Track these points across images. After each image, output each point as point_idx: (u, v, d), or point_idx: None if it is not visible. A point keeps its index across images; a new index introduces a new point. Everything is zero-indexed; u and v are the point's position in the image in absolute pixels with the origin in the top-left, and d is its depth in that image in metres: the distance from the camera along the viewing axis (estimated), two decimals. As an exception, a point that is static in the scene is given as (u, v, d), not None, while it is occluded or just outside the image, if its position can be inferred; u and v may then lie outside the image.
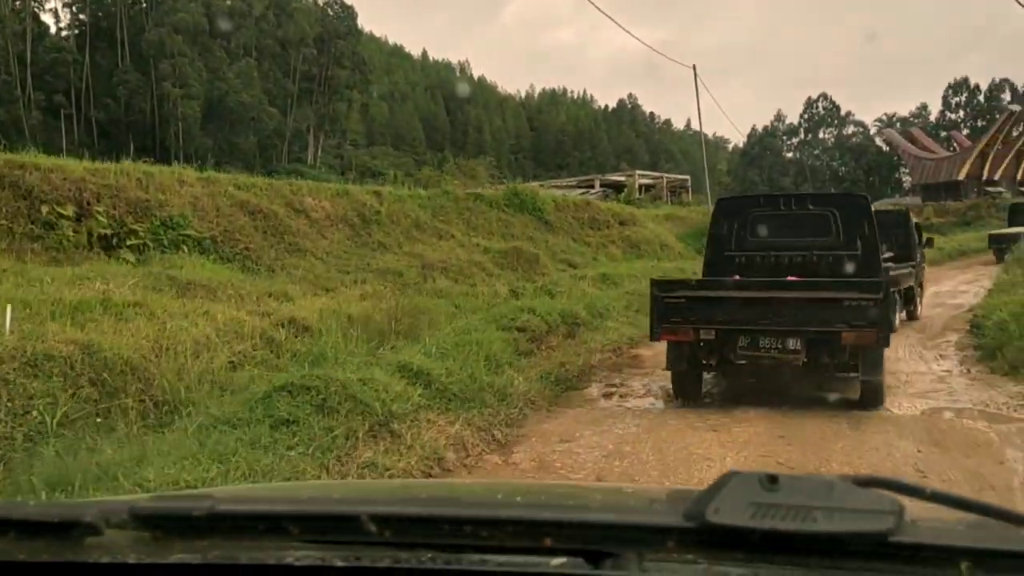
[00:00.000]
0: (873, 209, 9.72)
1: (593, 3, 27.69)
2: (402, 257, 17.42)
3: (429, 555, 1.05)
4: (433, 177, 32.46)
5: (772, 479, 1.04)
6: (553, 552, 1.04)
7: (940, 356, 11.98)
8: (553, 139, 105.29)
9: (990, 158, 61.27)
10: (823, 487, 1.05)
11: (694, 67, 33.25)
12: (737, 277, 8.92)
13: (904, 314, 14.81)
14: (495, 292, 16.23)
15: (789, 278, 8.53)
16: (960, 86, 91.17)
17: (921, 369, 11.03)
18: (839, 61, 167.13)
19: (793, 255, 9.37)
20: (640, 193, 43.32)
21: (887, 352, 8.02)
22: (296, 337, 9.60)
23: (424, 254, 17.82)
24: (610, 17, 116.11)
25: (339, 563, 1.05)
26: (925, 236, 17.68)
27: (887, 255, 12.52)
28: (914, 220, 17.19)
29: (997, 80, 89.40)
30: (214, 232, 14.04)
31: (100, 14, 73.19)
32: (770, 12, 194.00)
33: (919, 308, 15.96)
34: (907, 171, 78.34)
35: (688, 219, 30.00)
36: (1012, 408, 8.01)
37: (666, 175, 51.04)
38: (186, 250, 13.26)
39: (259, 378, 7.47)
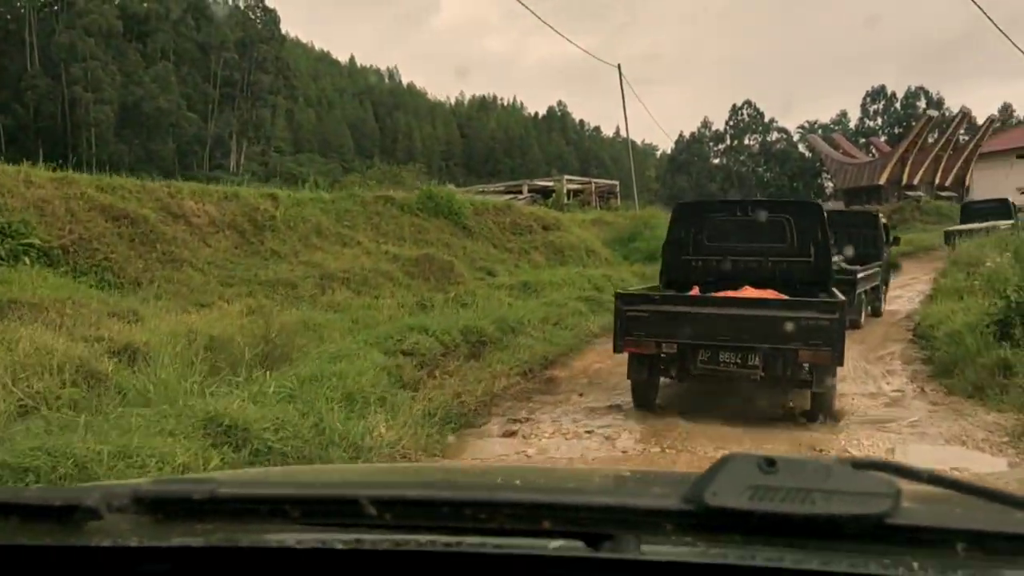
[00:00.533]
0: (826, 215, 9.71)
1: (527, 7, 26.21)
2: (298, 267, 15.51)
3: (429, 538, 1.05)
4: (358, 184, 30.49)
5: (770, 462, 1.03)
6: (552, 534, 1.04)
7: (888, 372, 10.62)
8: (484, 146, 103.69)
9: (909, 163, 61.66)
10: (821, 470, 1.04)
11: (619, 66, 32.08)
12: (695, 287, 9.14)
13: (869, 309, 15.39)
14: (401, 304, 14.46)
15: (745, 287, 8.75)
16: (878, 94, 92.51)
17: (870, 389, 9.63)
18: (763, 70, 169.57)
19: (749, 260, 9.39)
20: (569, 198, 41.99)
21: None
22: (130, 368, 7.69)
23: (324, 263, 15.94)
24: (544, 21, 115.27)
25: (340, 546, 1.04)
26: (892, 235, 18.77)
27: (850, 256, 14.01)
28: (882, 220, 17.68)
29: (912, 88, 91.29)
30: (65, 240, 11.95)
31: (8, 16, 69.12)
32: (695, 23, 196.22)
33: (883, 304, 16.45)
34: (829, 176, 78.85)
35: (615, 224, 28.59)
36: (998, 447, 6.52)
37: (595, 180, 49.80)
38: (28, 262, 11.17)
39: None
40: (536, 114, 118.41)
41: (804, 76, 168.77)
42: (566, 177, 49.07)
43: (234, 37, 77.04)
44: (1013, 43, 21.83)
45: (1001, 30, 21.10)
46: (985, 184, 63.45)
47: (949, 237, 26.62)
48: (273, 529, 1.08)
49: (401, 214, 19.98)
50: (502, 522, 1.05)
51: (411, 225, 19.77)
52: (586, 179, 49.56)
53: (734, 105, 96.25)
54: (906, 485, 1.05)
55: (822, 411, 7.89)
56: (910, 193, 59.15)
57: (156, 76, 70.46)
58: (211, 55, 76.03)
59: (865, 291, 14.56)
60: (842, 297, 8.23)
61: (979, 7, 18.93)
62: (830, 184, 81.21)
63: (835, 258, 11.50)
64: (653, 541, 1.01)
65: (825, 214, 9.56)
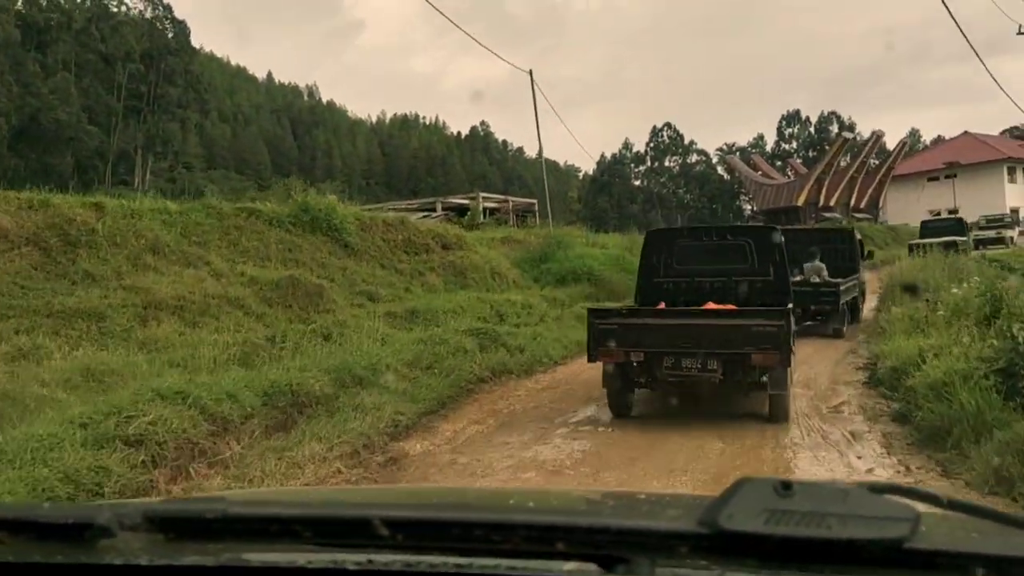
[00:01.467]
0: (805, 232, 13.66)
1: (451, 21, 23.37)
2: (116, 292, 12.10)
3: (441, 559, 1.03)
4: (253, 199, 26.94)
5: (786, 485, 1.01)
6: (565, 557, 1.02)
7: (851, 435, 7.87)
8: (405, 165, 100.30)
9: (825, 185, 60.88)
10: (838, 494, 1.02)
11: (530, 72, 29.34)
12: (663, 304, 9.65)
13: (849, 316, 15.86)
14: (245, 341, 11.25)
15: (708, 303, 9.28)
16: (793, 118, 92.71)
17: (834, 466, 6.84)
18: (683, 94, 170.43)
19: (714, 280, 10.03)
20: (485, 216, 39.11)
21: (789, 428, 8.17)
22: None
23: (153, 288, 12.55)
24: (468, 33, 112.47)
25: (351, 566, 1.03)
26: (866, 250, 19.34)
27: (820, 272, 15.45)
28: (858, 236, 18.31)
29: (825, 113, 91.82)
30: None
31: None
32: (618, 47, 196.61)
33: (861, 313, 17.11)
34: (748, 198, 77.97)
35: (527, 243, 25.68)
36: None
37: (512, 199, 47.05)
38: None
39: None
40: (459, 134, 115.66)
41: (723, 100, 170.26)
42: (482, 195, 46.24)
43: (140, 48, 72.34)
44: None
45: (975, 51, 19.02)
46: (897, 206, 63.24)
47: (912, 249, 27.86)
48: (284, 549, 1.06)
49: (268, 229, 16.64)
50: (515, 544, 1.02)
51: (279, 242, 16.45)
52: (503, 197, 46.78)
53: (655, 127, 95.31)
54: (925, 509, 1.03)
55: (780, 415, 8.36)
56: (827, 214, 58.23)
57: (55, 87, 65.50)
58: (115, 66, 71.20)
59: (847, 302, 15.37)
60: (788, 307, 8.68)
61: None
62: (748, 206, 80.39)
63: (822, 272, 15.25)
64: (668, 564, 1.00)
65: (782, 238, 9.92)
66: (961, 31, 19.82)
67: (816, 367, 11.97)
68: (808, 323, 14.53)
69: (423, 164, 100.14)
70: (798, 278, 14.11)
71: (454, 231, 22.38)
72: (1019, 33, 26.77)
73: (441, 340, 11.32)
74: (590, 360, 8.87)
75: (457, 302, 17.03)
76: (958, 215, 37.03)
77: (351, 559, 1.02)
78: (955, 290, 11.14)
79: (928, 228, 33.36)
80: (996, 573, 0.98)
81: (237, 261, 15.24)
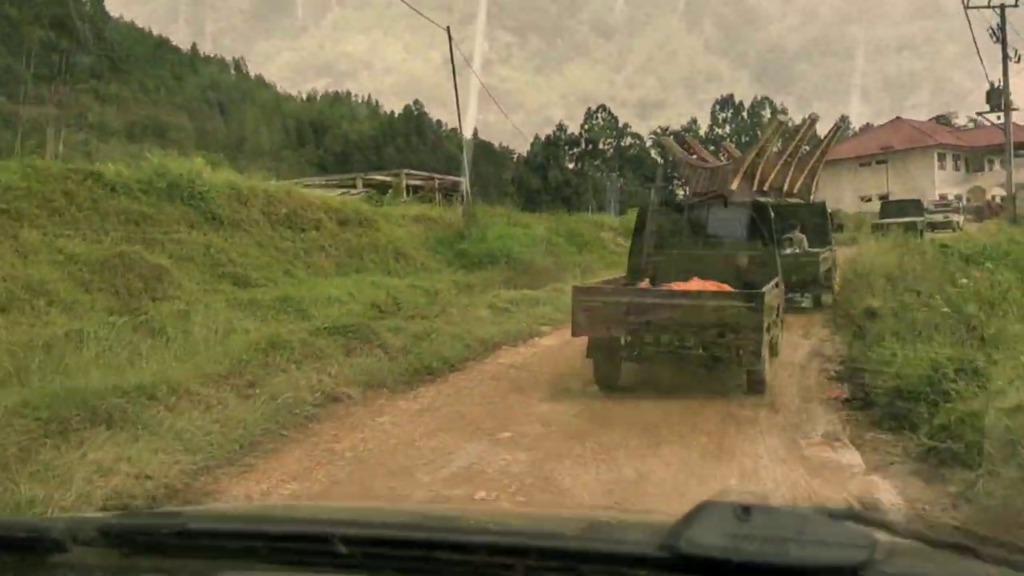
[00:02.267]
0: (782, 207, 14.11)
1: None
2: None
3: (415, 572, 1.01)
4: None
5: (746, 509, 1.01)
6: (530, 573, 1.01)
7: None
8: (338, 143, 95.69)
9: (759, 169, 59.03)
10: (797, 519, 1.03)
11: (448, 29, 26.06)
12: (647, 282, 9.78)
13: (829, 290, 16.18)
14: (27, 342, 8.00)
15: (692, 279, 9.24)
16: (726, 102, 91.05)
17: None
18: (618, 76, 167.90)
19: (704, 254, 10.07)
20: (408, 194, 35.85)
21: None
22: None
23: (-90, 269, 9.19)
24: (410, 5, 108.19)
25: None
26: (836, 222, 20.82)
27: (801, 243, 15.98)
28: (828, 210, 19.75)
29: (759, 97, 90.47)
30: None
31: None
32: (554, 25, 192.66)
33: (835, 283, 16.81)
34: (682, 182, 76.02)
35: (443, 221, 22.55)
36: None
37: (438, 176, 43.76)
38: None
39: None
40: (392, 113, 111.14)
41: (657, 84, 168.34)
42: (406, 171, 42.90)
43: (50, 13, 66.65)
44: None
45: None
46: (830, 191, 61.71)
47: (876, 228, 27.99)
48: (242, 567, 1.02)
49: (109, 197, 13.20)
50: (477, 565, 1.01)
51: (122, 213, 13.04)
52: (427, 174, 43.52)
53: (589, 109, 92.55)
54: (883, 536, 1.03)
55: (755, 387, 8.28)
56: (760, 199, 56.37)
57: (-49, 53, 59.78)
58: (23, 32, 65.46)
59: (824, 271, 15.68)
60: (763, 290, 8.35)
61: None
62: (681, 190, 78.44)
63: (803, 243, 15.94)
64: None
65: (771, 213, 10.07)
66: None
67: (780, 372, 9.22)
68: (788, 294, 13.31)
69: (355, 143, 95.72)
70: (787, 251, 14.39)
71: (355, 205, 19.15)
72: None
73: (284, 343, 8.14)
74: (573, 335, 8.96)
75: (346, 288, 13.94)
76: (908, 199, 37.72)
77: None
78: (964, 280, 8.41)
79: (888, 208, 33.87)
80: None
81: (58, 235, 11.79)
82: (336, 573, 1.00)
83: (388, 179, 40.56)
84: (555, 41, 56.27)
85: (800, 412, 7.53)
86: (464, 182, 26.60)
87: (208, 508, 2.75)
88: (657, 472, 5.60)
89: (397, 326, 10.82)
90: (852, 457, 5.99)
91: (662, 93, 39.52)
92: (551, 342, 12.07)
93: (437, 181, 41.76)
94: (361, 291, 13.85)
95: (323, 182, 40.52)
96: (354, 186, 38.91)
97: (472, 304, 14.17)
